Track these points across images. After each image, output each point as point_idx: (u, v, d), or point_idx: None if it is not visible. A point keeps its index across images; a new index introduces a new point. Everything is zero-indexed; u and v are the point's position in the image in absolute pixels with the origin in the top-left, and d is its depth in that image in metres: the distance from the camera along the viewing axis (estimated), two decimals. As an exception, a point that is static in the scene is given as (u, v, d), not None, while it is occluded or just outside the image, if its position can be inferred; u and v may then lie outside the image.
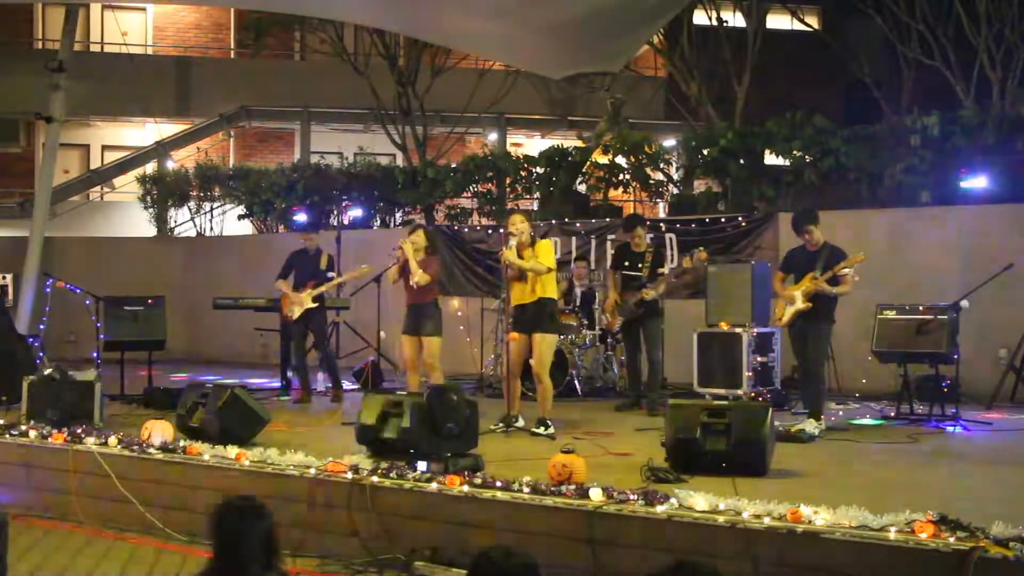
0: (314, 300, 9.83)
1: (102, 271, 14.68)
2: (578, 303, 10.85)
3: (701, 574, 2.71)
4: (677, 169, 14.48)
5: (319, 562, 5.58)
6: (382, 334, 10.32)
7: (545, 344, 7.99)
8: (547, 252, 8.06)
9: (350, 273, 10.00)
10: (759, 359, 9.16)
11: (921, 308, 8.63)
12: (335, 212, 15.94)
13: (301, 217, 15.65)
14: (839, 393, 10.07)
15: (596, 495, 5.08)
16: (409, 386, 8.55)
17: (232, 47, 21.70)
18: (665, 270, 9.51)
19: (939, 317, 8.45)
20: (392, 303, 9.61)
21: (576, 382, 10.36)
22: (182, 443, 6.62)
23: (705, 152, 12.83)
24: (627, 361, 9.85)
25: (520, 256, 7.94)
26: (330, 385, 10.29)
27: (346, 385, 10.44)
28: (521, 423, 8.01)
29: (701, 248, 9.64)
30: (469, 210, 15.22)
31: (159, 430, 6.75)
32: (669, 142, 15.53)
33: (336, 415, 9.08)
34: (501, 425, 7.93)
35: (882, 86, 16.29)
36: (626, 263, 9.49)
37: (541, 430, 7.79)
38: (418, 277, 8.40)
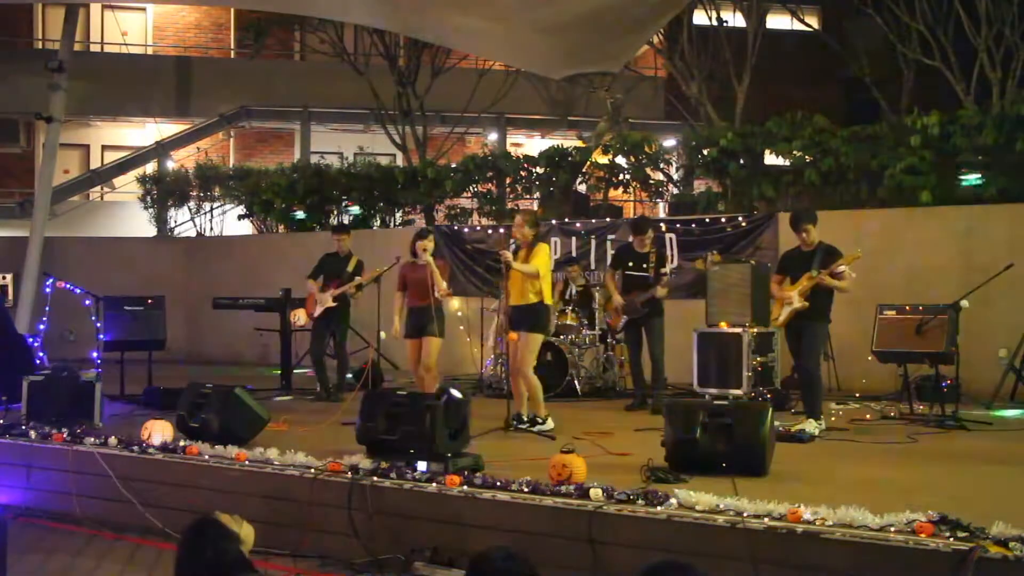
0: (335, 300, 9.92)
1: (102, 271, 14.67)
2: (574, 302, 10.85)
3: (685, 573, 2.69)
4: (677, 169, 14.48)
5: (319, 562, 5.58)
6: (382, 334, 10.33)
7: (525, 344, 8.01)
8: (542, 256, 8.07)
9: (370, 274, 10.03)
10: (759, 359, 9.15)
11: (921, 308, 8.62)
12: (335, 212, 15.94)
13: (301, 216, 15.70)
14: (839, 393, 10.09)
15: (596, 495, 5.09)
16: (419, 386, 8.58)
17: (232, 47, 21.70)
18: (667, 269, 9.56)
19: (939, 317, 8.45)
20: (391, 303, 9.61)
21: (576, 382, 10.35)
22: (182, 443, 6.63)
23: (705, 152, 12.82)
24: (630, 360, 9.86)
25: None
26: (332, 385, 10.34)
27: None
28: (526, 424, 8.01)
29: (714, 252, 9.59)
30: (469, 210, 15.21)
31: (159, 430, 6.76)
32: (669, 142, 15.52)
33: (336, 415, 9.07)
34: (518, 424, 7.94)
35: (882, 86, 16.29)
36: (629, 263, 9.52)
37: (535, 428, 7.83)
38: (441, 290, 8.56)
